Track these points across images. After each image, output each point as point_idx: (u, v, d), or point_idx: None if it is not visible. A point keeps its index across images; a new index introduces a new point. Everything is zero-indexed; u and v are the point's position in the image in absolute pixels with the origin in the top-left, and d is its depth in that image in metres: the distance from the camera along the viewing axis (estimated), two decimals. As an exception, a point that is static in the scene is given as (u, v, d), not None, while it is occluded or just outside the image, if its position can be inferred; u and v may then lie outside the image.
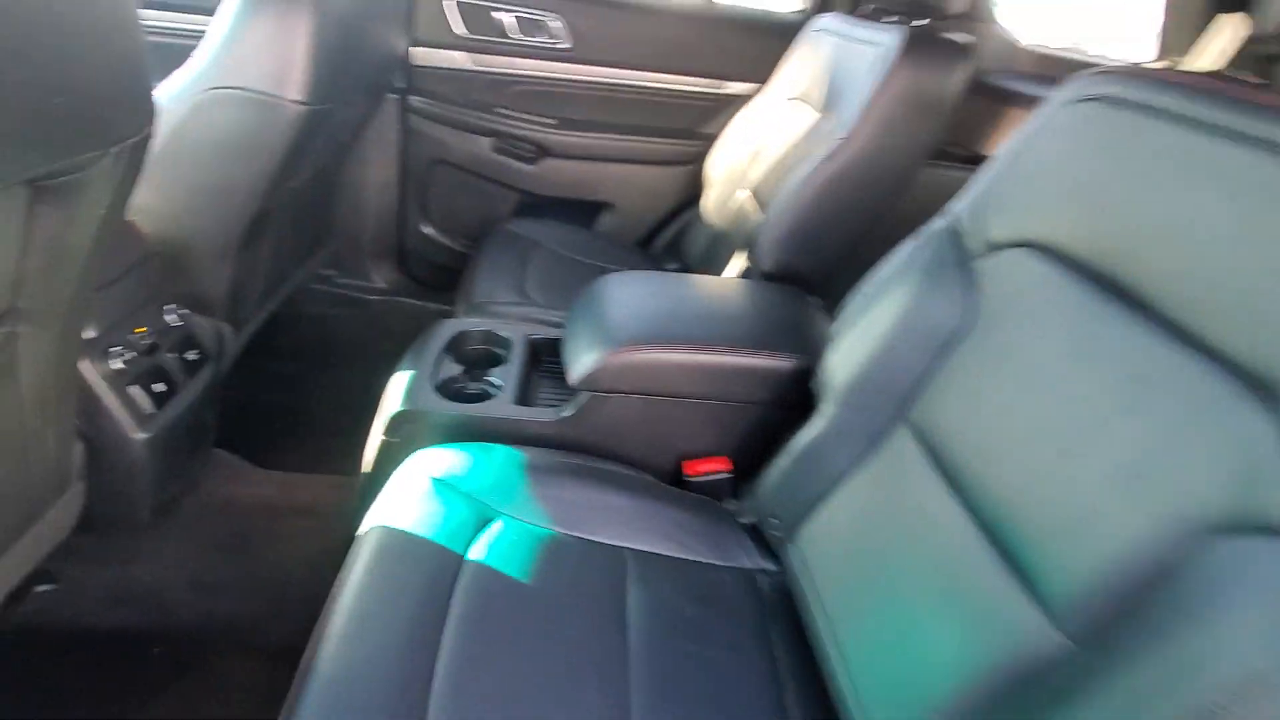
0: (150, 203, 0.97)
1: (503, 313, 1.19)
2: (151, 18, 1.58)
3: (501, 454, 0.79)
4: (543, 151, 1.65)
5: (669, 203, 1.73)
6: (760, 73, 1.59)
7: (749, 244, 1.21)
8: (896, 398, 0.64)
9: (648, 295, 0.98)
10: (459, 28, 1.56)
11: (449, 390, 0.93)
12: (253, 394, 1.50)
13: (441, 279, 1.80)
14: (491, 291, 1.26)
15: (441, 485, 0.72)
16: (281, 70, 0.92)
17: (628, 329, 0.88)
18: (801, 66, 1.39)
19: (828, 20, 1.37)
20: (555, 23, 1.57)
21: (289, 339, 1.71)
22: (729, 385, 0.87)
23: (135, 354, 0.90)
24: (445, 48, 1.57)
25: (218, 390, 1.10)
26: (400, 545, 0.64)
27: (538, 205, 1.73)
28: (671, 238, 1.76)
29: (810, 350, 0.86)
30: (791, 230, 1.09)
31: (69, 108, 0.49)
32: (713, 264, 1.45)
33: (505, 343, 1.04)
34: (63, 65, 0.47)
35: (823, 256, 1.12)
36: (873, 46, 1.13)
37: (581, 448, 0.88)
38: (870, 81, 1.07)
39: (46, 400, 0.67)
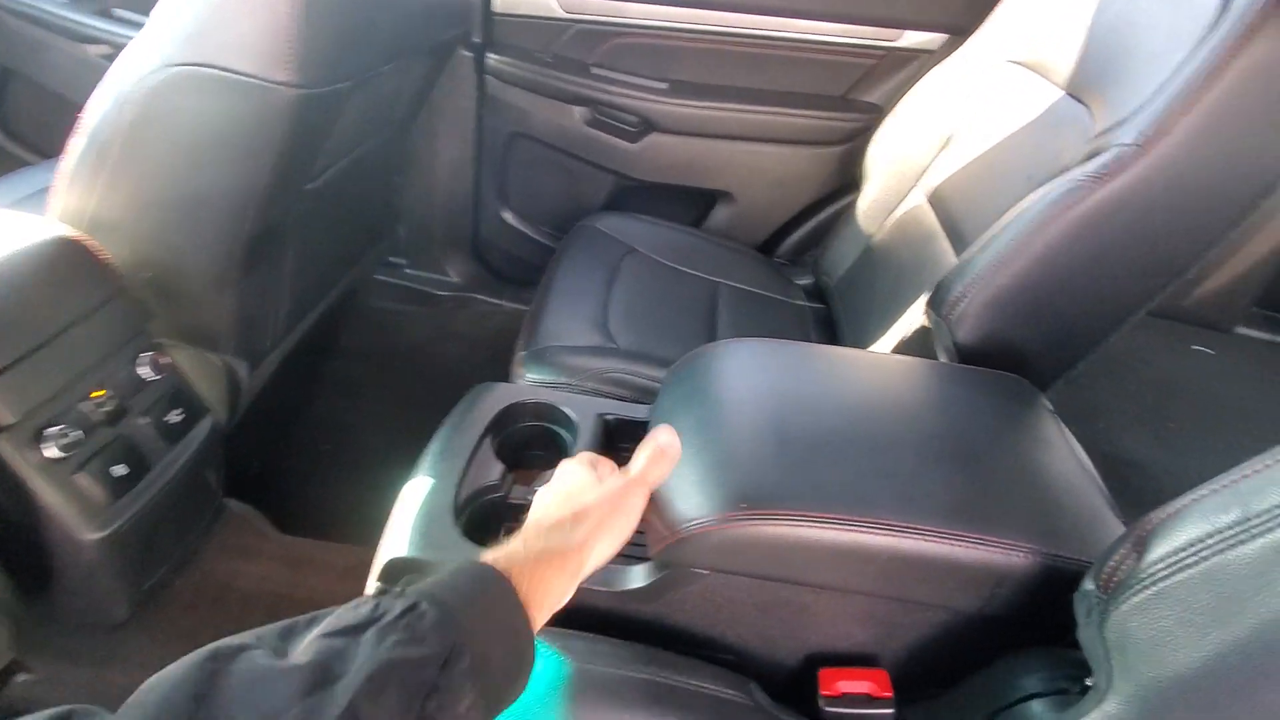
0: (117, 218, 0.74)
1: (573, 365, 0.89)
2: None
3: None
4: (647, 125, 1.30)
5: (805, 195, 1.34)
6: (957, 17, 1.15)
7: (930, 283, 0.82)
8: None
9: (777, 401, 0.63)
10: (551, -38, 1.22)
11: (480, 510, 0.65)
12: (290, 414, 1.31)
13: (522, 273, 1.53)
14: (561, 327, 0.96)
15: None
16: (265, 41, 0.63)
17: (742, 478, 0.55)
18: (1036, 10, 0.94)
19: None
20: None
21: (348, 336, 1.51)
22: (910, 585, 0.53)
23: (82, 431, 0.68)
24: (533, -10, 1.24)
25: (220, 444, 0.89)
26: None
27: (638, 193, 1.39)
28: (803, 240, 1.37)
29: (1062, 530, 0.50)
30: (1021, 283, 0.68)
31: None
32: (860, 291, 1.07)
33: (569, 423, 0.75)
34: None
35: (1066, 328, 0.72)
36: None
37: (662, 631, 0.58)
38: (1200, 54, 0.63)
39: None
